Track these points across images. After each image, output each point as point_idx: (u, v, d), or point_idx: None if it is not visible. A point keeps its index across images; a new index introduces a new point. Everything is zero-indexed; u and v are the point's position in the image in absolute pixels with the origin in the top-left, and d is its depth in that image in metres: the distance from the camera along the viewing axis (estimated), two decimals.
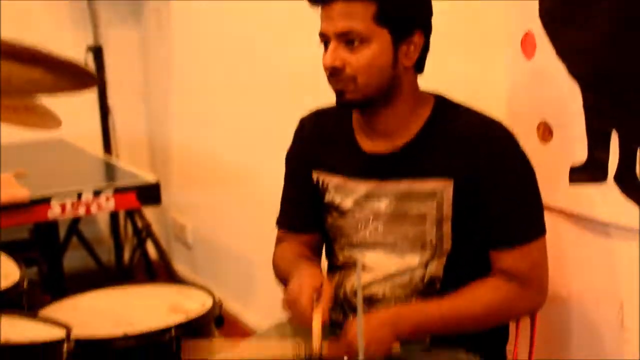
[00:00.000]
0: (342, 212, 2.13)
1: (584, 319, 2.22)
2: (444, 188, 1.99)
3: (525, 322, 2.20)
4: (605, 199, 2.07)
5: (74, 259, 4.44)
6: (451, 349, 2.06)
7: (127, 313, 2.52)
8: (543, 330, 2.24)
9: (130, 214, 4.37)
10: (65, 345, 1.78)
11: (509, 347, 2.19)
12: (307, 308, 1.92)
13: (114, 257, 4.54)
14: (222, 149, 4.03)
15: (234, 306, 3.84)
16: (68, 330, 1.85)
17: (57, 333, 1.85)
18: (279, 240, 2.30)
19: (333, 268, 2.20)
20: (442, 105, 2.07)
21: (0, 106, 2.07)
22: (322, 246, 2.26)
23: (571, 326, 2.26)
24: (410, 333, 1.97)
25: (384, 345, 1.93)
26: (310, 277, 1.97)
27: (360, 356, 1.42)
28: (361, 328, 1.42)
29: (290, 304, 1.96)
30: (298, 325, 1.99)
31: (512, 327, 2.20)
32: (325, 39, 2.00)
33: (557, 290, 2.18)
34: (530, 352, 2.18)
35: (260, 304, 3.85)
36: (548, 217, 2.06)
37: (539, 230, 2.02)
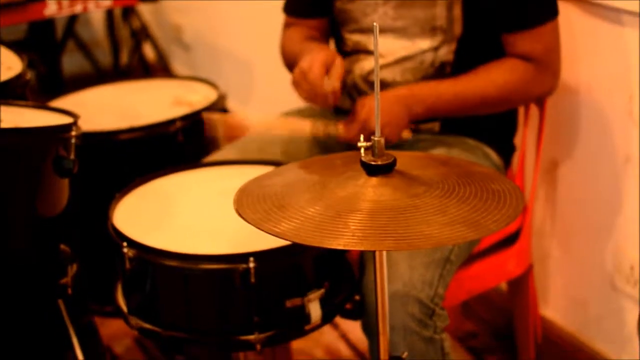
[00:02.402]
0: None
1: (592, 110, 2.20)
2: None
3: (534, 113, 2.19)
4: None
5: (71, 62, 4.42)
6: (460, 137, 2.06)
7: (131, 107, 2.52)
8: (551, 121, 2.24)
9: (127, 15, 4.31)
10: (73, 131, 1.76)
11: (517, 138, 2.19)
12: (318, 79, 1.86)
13: (111, 59, 4.50)
14: None
15: (234, 107, 3.82)
16: (75, 117, 1.83)
17: (64, 120, 1.83)
18: (286, 26, 2.24)
19: (341, 55, 2.15)
20: None
21: None
22: (330, 32, 2.21)
23: (580, 117, 2.24)
24: (423, 112, 1.96)
25: (399, 125, 1.92)
26: (321, 53, 1.91)
27: (377, 132, 1.38)
28: (377, 102, 1.37)
29: (300, 77, 1.89)
30: (307, 100, 1.92)
31: (520, 118, 2.20)
32: None
33: (566, 80, 2.16)
34: (539, 142, 2.18)
35: (260, 104, 3.83)
36: (559, 4, 2.00)
37: (553, 11, 1.97)
